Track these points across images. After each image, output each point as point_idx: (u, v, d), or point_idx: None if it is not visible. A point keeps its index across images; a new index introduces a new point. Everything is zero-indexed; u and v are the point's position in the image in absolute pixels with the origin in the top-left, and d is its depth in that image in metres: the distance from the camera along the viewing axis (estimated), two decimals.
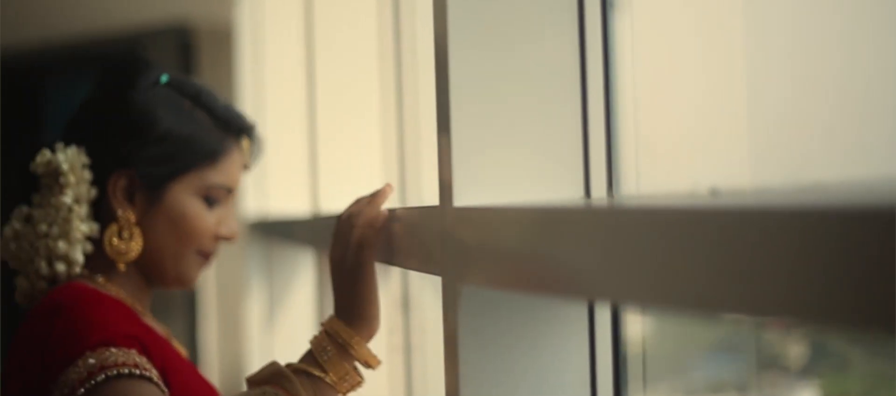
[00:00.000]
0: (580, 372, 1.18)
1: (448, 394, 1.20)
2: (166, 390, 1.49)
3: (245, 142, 1.71)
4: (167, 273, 1.66)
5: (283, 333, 3.35)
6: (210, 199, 1.66)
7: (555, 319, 1.17)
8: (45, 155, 1.64)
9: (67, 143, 1.65)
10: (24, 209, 1.65)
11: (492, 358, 1.16)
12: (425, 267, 1.28)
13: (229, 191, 1.68)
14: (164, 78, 1.68)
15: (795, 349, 1.34)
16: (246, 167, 1.72)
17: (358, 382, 1.53)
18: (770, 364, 2.21)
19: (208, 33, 5.69)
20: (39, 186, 1.64)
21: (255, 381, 1.53)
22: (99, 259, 1.63)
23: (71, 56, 6.32)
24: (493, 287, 1.12)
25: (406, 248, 1.36)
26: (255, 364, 3.45)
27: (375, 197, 1.51)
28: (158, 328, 1.69)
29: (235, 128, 1.69)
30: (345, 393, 1.53)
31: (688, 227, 0.73)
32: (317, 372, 1.51)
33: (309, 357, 1.54)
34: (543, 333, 1.17)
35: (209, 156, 1.65)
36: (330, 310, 1.56)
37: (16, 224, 1.65)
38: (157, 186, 1.63)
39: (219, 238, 1.68)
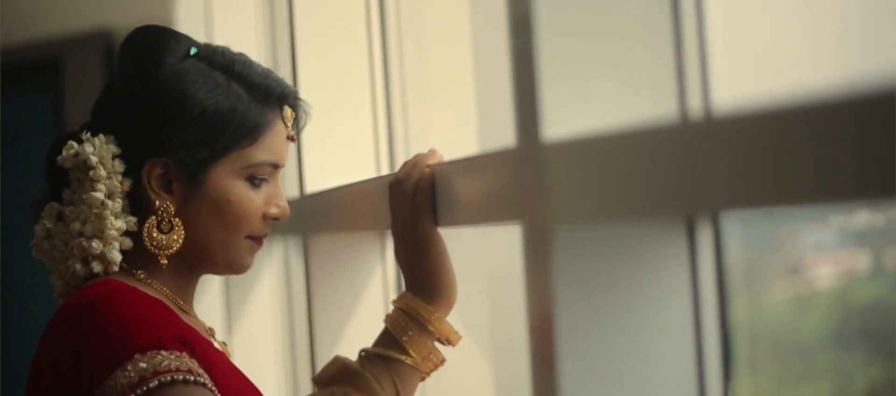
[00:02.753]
0: (682, 308, 1.09)
1: (538, 353, 1.09)
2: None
3: (288, 111, 1.54)
4: (216, 261, 1.52)
5: (242, 333, 3.22)
6: (255, 179, 1.50)
7: (653, 254, 1.07)
8: (72, 147, 1.48)
9: (94, 132, 1.50)
10: (55, 206, 1.51)
11: (590, 304, 1.06)
12: (501, 215, 1.17)
13: (275, 167, 1.53)
14: (193, 50, 1.51)
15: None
16: (291, 138, 1.56)
17: (441, 361, 1.44)
18: None
19: None
20: (69, 181, 1.50)
21: (321, 381, 1.43)
22: (139, 253, 1.49)
23: None
24: (588, 222, 1.03)
25: (474, 201, 1.24)
26: None
27: (419, 158, 1.42)
28: (200, 325, 1.56)
29: (276, 98, 1.53)
30: (428, 374, 1.43)
31: (783, 125, 0.77)
32: (396, 355, 1.42)
33: (385, 339, 1.44)
34: (642, 268, 1.07)
35: (249, 133, 1.49)
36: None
37: (47, 222, 1.51)
38: (196, 172, 1.48)
39: (268, 217, 1.53)
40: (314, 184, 2.23)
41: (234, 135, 1.48)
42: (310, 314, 2.20)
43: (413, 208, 1.40)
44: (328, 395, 1.40)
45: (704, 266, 1.09)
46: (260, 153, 1.50)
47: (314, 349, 2.19)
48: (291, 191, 2.50)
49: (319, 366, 2.17)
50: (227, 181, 1.49)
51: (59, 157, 1.50)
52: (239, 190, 1.49)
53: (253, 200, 1.50)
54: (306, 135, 2.24)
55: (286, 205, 1.55)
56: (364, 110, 2.21)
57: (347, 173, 2.14)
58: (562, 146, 1.03)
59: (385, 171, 2.20)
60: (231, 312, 3.24)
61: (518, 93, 1.09)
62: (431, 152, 1.43)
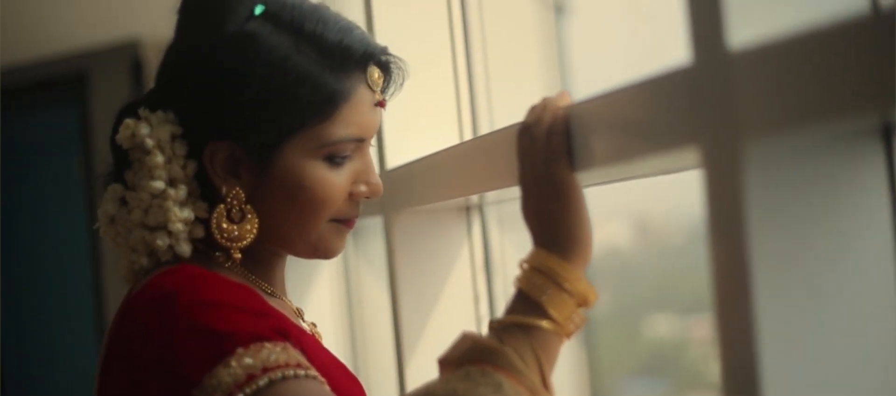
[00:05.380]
0: (882, 229, 0.99)
1: (727, 289, 0.98)
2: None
3: (374, 73, 1.36)
4: (297, 248, 1.38)
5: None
6: (335, 158, 1.34)
7: (847, 164, 0.97)
8: (129, 126, 1.34)
9: (154, 107, 1.35)
10: (118, 188, 1.37)
11: (781, 229, 0.95)
12: (668, 143, 1.06)
13: (359, 141, 1.36)
14: (258, 9, 1.33)
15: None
16: (380, 104, 1.38)
17: (583, 321, 1.26)
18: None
19: (159, 48, 5.41)
20: (131, 161, 1.36)
21: (451, 361, 1.25)
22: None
23: (17, 82, 6.04)
24: (776, 134, 0.93)
25: (629, 134, 1.13)
26: None
27: (548, 100, 1.29)
28: (288, 307, 1.44)
29: (357, 59, 1.34)
30: (570, 336, 1.26)
31: None
32: (536, 321, 1.24)
33: (520, 302, 1.26)
34: (835, 192, 0.97)
35: (322, 108, 1.31)
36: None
37: (109, 207, 1.37)
38: (263, 156, 1.32)
39: (357, 197, 1.38)
40: (395, 159, 2.12)
41: (303, 113, 1.31)
42: (393, 297, 2.10)
43: (547, 153, 1.25)
44: (463, 376, 1.21)
45: None
46: (338, 129, 1.33)
47: (399, 333, 2.09)
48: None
49: (406, 352, 2.08)
50: (301, 163, 1.33)
51: (116, 137, 1.36)
52: (315, 172, 1.33)
53: (333, 183, 1.34)
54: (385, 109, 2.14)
55: (378, 182, 1.39)
56: (445, 81, 2.11)
57: (429, 145, 2.03)
58: (750, 54, 0.92)
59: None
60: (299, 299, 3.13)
61: (695, 3, 0.98)
62: (562, 94, 1.29)
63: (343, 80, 1.33)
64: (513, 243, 2.06)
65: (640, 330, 2.33)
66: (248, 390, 1.18)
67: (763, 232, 0.94)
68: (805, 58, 0.86)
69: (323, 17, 1.35)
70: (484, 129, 2.08)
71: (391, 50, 1.44)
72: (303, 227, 1.35)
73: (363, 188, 1.38)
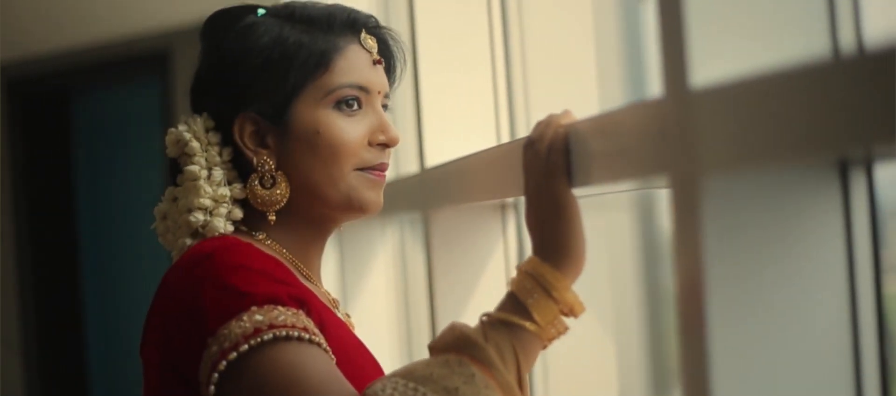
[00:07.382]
0: (836, 261, 1.05)
1: (687, 308, 1.06)
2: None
3: (367, 39, 1.53)
4: (330, 202, 1.50)
5: (357, 313, 3.21)
6: (342, 105, 1.49)
7: (805, 204, 1.04)
8: (171, 133, 1.51)
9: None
10: (173, 190, 1.53)
11: (740, 257, 1.03)
12: (644, 170, 1.14)
13: (362, 91, 1.51)
14: (259, 11, 1.53)
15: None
16: (378, 62, 1.54)
17: (564, 329, 1.35)
18: None
19: None
20: (181, 166, 1.53)
21: (437, 349, 1.34)
22: (258, 217, 1.51)
23: (101, 60, 6.19)
24: (740, 170, 1.00)
25: (613, 158, 1.21)
26: None
27: (552, 117, 1.38)
28: (323, 294, 1.56)
29: (342, 23, 1.52)
30: (549, 342, 1.35)
31: None
32: (520, 321, 1.33)
33: (509, 303, 1.35)
34: (794, 219, 1.04)
35: (318, 61, 1.49)
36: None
37: (163, 205, 1.54)
38: (280, 116, 1.48)
39: (375, 145, 1.51)
40: (434, 158, 2.21)
41: (303, 68, 1.48)
42: (430, 291, 2.19)
43: (546, 168, 1.35)
44: (442, 362, 1.30)
45: (859, 216, 1.05)
46: (336, 77, 1.49)
47: (435, 327, 2.18)
48: (411, 167, 2.49)
49: None
50: (313, 114, 1.48)
51: (166, 149, 1.54)
52: (327, 118, 1.49)
53: (345, 129, 1.49)
54: (425, 108, 2.23)
55: (395, 133, 1.53)
56: (484, 81, 2.19)
57: (467, 145, 2.12)
58: (712, 92, 1.00)
59: (506, 141, 2.17)
60: (347, 293, 3.24)
61: (664, 41, 1.06)
62: (565, 112, 1.38)
63: (332, 40, 1.51)
64: None
65: None
66: (253, 342, 1.31)
67: (719, 254, 1.02)
68: (764, 98, 0.93)
69: (309, 3, 1.54)
70: (522, 130, 2.16)
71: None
72: (329, 176, 1.49)
73: (381, 136, 1.52)
